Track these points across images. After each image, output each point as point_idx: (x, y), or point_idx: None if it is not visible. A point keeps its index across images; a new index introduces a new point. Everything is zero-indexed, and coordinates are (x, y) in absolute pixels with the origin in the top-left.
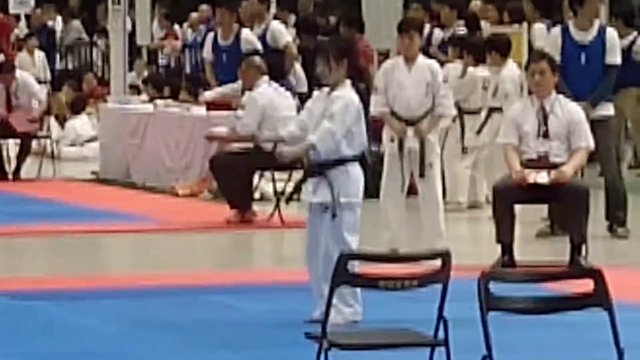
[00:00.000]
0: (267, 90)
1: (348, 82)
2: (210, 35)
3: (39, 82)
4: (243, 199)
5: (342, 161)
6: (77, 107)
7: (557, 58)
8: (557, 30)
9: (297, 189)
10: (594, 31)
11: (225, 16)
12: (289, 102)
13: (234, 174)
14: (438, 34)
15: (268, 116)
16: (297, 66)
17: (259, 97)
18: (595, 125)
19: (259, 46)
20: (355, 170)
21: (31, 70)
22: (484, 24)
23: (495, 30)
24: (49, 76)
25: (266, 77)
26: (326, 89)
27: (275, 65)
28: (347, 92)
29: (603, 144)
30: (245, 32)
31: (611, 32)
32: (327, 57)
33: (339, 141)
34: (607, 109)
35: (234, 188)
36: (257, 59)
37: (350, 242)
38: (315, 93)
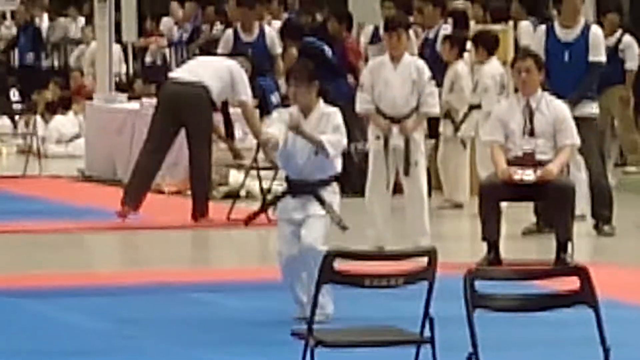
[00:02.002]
0: None
1: (321, 101)
2: (229, 32)
3: None
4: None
5: (331, 180)
6: (63, 105)
7: (542, 56)
8: (542, 28)
9: (274, 203)
10: (578, 29)
11: (247, 14)
12: None
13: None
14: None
15: None
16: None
17: None
18: (580, 123)
19: (279, 48)
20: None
21: None
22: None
23: (483, 28)
24: (124, 69)
25: None
26: (293, 110)
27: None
28: (332, 109)
29: (587, 143)
30: (269, 29)
31: (595, 30)
32: (298, 79)
33: (337, 156)
34: (591, 108)
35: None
36: None
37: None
38: (279, 114)
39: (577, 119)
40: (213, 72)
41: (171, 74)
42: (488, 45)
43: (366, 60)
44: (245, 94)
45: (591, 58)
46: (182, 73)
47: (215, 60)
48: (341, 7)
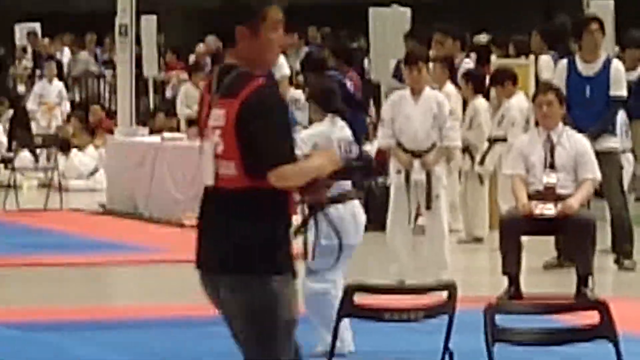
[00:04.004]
0: None
1: (326, 119)
2: None
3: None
4: None
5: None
6: (89, 134)
7: (563, 90)
8: (564, 62)
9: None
10: (599, 64)
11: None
12: None
13: None
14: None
15: None
16: (302, 97)
17: None
18: (600, 157)
19: (283, 70)
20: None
21: (194, 107)
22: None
23: (503, 63)
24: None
25: None
26: None
27: None
28: (321, 125)
29: (608, 177)
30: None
31: (616, 65)
32: (310, 98)
33: None
34: (612, 142)
35: None
36: None
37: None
38: None
39: (598, 153)
40: None
41: None
42: (513, 78)
43: None
44: None
45: (612, 93)
46: None
47: None
48: (339, 41)
